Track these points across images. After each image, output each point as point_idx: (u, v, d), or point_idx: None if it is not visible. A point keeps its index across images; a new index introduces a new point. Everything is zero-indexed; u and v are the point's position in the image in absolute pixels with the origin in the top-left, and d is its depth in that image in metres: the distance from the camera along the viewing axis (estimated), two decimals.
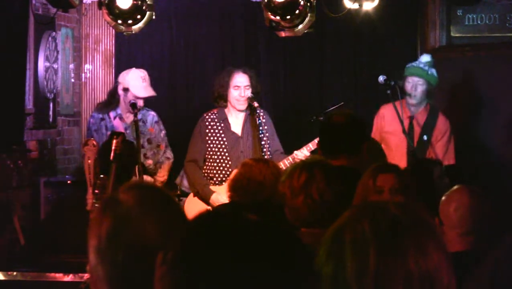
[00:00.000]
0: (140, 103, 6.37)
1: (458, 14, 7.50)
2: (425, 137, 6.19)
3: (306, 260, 1.37)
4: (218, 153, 6.07)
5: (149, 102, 7.43)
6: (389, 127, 6.31)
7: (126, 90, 6.38)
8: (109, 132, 6.34)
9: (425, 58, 6.41)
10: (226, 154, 6.07)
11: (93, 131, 6.47)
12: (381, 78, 6.19)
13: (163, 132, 6.63)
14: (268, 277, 1.30)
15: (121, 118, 6.49)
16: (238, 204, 4.46)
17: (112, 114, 6.49)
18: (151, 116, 6.56)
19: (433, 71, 6.34)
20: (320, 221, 3.28)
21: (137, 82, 6.39)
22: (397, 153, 6.16)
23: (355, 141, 4.28)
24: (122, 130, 6.36)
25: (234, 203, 4.52)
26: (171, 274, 1.34)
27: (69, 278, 5.29)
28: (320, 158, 4.35)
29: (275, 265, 1.31)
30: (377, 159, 4.75)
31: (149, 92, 6.40)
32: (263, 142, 6.05)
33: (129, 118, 6.43)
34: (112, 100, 6.56)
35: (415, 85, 6.24)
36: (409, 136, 6.14)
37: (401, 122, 6.04)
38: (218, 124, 6.12)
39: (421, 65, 6.32)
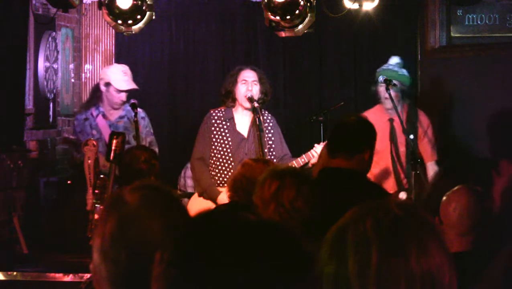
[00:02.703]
0: (123, 97, 6.45)
1: (458, 14, 7.50)
2: (411, 136, 6.22)
3: (305, 260, 1.36)
4: (222, 153, 6.04)
5: (149, 102, 7.44)
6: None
7: (107, 84, 6.46)
8: (94, 131, 6.46)
9: (394, 60, 6.40)
10: (230, 154, 6.04)
11: (77, 132, 6.52)
12: (381, 78, 6.19)
13: (148, 129, 6.60)
14: (265, 278, 1.30)
15: (104, 115, 6.52)
16: (237, 204, 4.46)
17: (94, 112, 6.53)
18: (138, 112, 6.49)
19: (404, 71, 6.34)
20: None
21: (118, 76, 6.46)
22: (382, 156, 6.16)
23: (353, 141, 4.26)
24: (106, 127, 6.43)
25: (233, 203, 4.52)
26: (168, 274, 1.33)
27: (69, 278, 5.28)
28: (291, 166, 4.36)
29: (273, 265, 1.31)
30: None
31: (130, 85, 6.47)
32: (268, 146, 6.03)
33: (113, 115, 6.52)
34: (93, 96, 6.65)
35: (392, 89, 6.23)
36: (395, 136, 6.15)
37: (398, 115, 6.03)
38: (224, 123, 6.09)
39: (390, 67, 6.32)
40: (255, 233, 1.34)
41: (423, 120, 6.38)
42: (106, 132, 6.37)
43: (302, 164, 5.97)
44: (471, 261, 2.79)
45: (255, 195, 3.52)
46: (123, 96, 6.46)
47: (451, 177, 3.56)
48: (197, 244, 1.33)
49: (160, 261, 1.35)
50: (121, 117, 6.56)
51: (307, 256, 1.37)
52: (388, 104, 6.16)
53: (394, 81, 6.20)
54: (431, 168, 6.30)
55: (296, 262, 1.34)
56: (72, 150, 6.60)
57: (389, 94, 6.09)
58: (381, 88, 6.23)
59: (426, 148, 6.34)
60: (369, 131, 4.35)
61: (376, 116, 6.21)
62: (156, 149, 6.46)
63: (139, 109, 6.52)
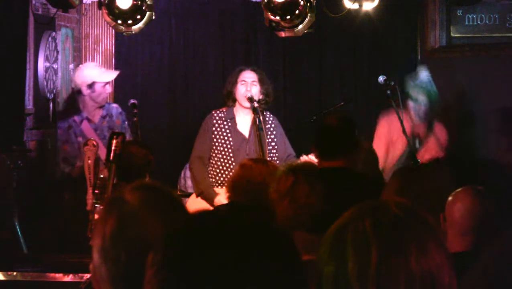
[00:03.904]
0: (109, 89, 6.61)
1: (458, 14, 7.50)
2: (417, 143, 6.30)
3: (298, 263, 1.36)
4: (223, 153, 6.05)
5: (149, 102, 7.44)
6: (395, 135, 6.33)
7: (91, 85, 6.50)
8: (80, 138, 6.44)
9: (425, 73, 6.41)
10: (231, 154, 6.04)
11: (63, 141, 6.50)
12: (381, 78, 6.19)
13: (126, 123, 6.64)
14: (262, 279, 1.29)
15: (88, 120, 6.53)
16: (236, 204, 4.45)
17: (77, 118, 6.55)
18: (115, 108, 6.65)
19: (434, 86, 6.38)
20: (305, 225, 3.30)
21: (97, 71, 6.56)
22: (396, 151, 6.21)
23: (350, 141, 4.29)
24: (92, 132, 6.45)
25: (233, 204, 4.51)
26: (159, 276, 1.33)
27: (69, 278, 5.28)
28: (307, 162, 4.39)
29: (269, 266, 1.30)
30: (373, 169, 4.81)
31: (113, 73, 6.64)
32: (270, 147, 6.03)
33: (96, 116, 6.54)
34: (73, 105, 6.72)
35: (419, 105, 6.28)
36: (410, 139, 6.21)
37: (401, 121, 6.05)
38: (225, 123, 6.09)
39: (425, 85, 6.35)
40: (251, 234, 1.33)
41: (439, 132, 6.43)
42: (92, 137, 6.38)
43: None
44: (471, 261, 2.79)
45: (271, 189, 3.54)
46: (109, 88, 6.61)
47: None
48: (187, 247, 1.32)
49: (152, 263, 1.35)
50: (103, 117, 6.58)
51: (299, 259, 1.36)
52: (417, 118, 6.26)
53: (429, 101, 6.29)
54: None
55: (293, 263, 1.34)
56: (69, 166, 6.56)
57: (389, 95, 6.10)
58: (412, 104, 6.27)
59: (431, 150, 6.39)
60: (353, 130, 4.40)
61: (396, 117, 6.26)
62: None
63: (114, 104, 6.68)
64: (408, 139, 6.07)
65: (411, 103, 6.31)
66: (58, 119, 6.92)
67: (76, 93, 6.66)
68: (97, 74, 6.52)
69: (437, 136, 6.43)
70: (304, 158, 5.85)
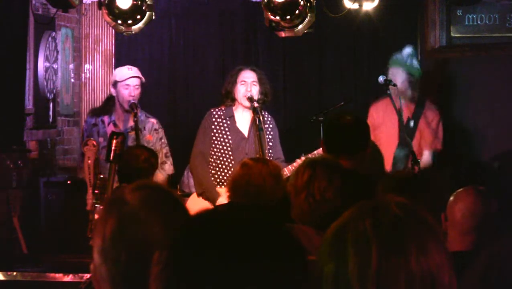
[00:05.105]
0: (131, 91, 6.15)
1: (458, 14, 7.50)
2: (411, 123, 6.33)
3: (303, 260, 1.36)
4: (222, 151, 6.05)
5: (149, 103, 7.44)
6: (379, 120, 6.38)
7: (115, 84, 6.23)
8: (101, 139, 6.20)
9: (407, 50, 6.53)
10: (230, 152, 6.04)
11: (85, 137, 6.28)
12: (381, 78, 6.20)
13: (163, 140, 6.39)
14: (264, 278, 1.30)
15: (115, 124, 6.26)
16: (236, 204, 4.45)
17: (106, 119, 6.30)
18: (151, 123, 6.33)
19: (414, 62, 6.47)
20: (322, 220, 3.28)
21: (122, 71, 6.28)
22: (390, 143, 6.24)
23: (357, 141, 4.28)
24: None
25: (232, 204, 4.51)
26: (165, 274, 1.33)
27: (69, 278, 5.28)
28: (325, 156, 4.36)
29: (271, 265, 1.31)
30: (378, 167, 4.82)
31: (133, 73, 6.21)
32: (268, 146, 6.03)
33: (123, 124, 6.27)
34: (106, 104, 6.47)
35: (394, 75, 6.33)
36: (403, 128, 6.22)
37: (401, 121, 6.06)
38: (224, 121, 6.10)
39: (400, 57, 6.47)
40: (253, 234, 1.34)
41: (430, 110, 6.47)
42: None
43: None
44: (472, 261, 2.80)
45: (289, 182, 3.54)
46: (132, 90, 6.17)
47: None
48: (191, 245, 1.33)
49: (157, 261, 1.35)
50: (132, 128, 6.18)
51: (303, 256, 1.36)
52: (396, 89, 6.27)
53: (404, 73, 6.30)
54: (426, 156, 6.39)
55: (295, 262, 1.34)
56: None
57: (389, 95, 6.11)
58: (390, 75, 6.29)
59: (426, 137, 6.43)
60: (367, 130, 4.39)
61: (388, 104, 6.28)
62: (170, 160, 6.37)
63: (152, 119, 6.35)
64: (408, 139, 6.07)
65: (390, 75, 6.34)
66: (89, 115, 6.61)
67: (110, 94, 6.40)
68: (118, 73, 6.27)
69: (428, 120, 6.46)
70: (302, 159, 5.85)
